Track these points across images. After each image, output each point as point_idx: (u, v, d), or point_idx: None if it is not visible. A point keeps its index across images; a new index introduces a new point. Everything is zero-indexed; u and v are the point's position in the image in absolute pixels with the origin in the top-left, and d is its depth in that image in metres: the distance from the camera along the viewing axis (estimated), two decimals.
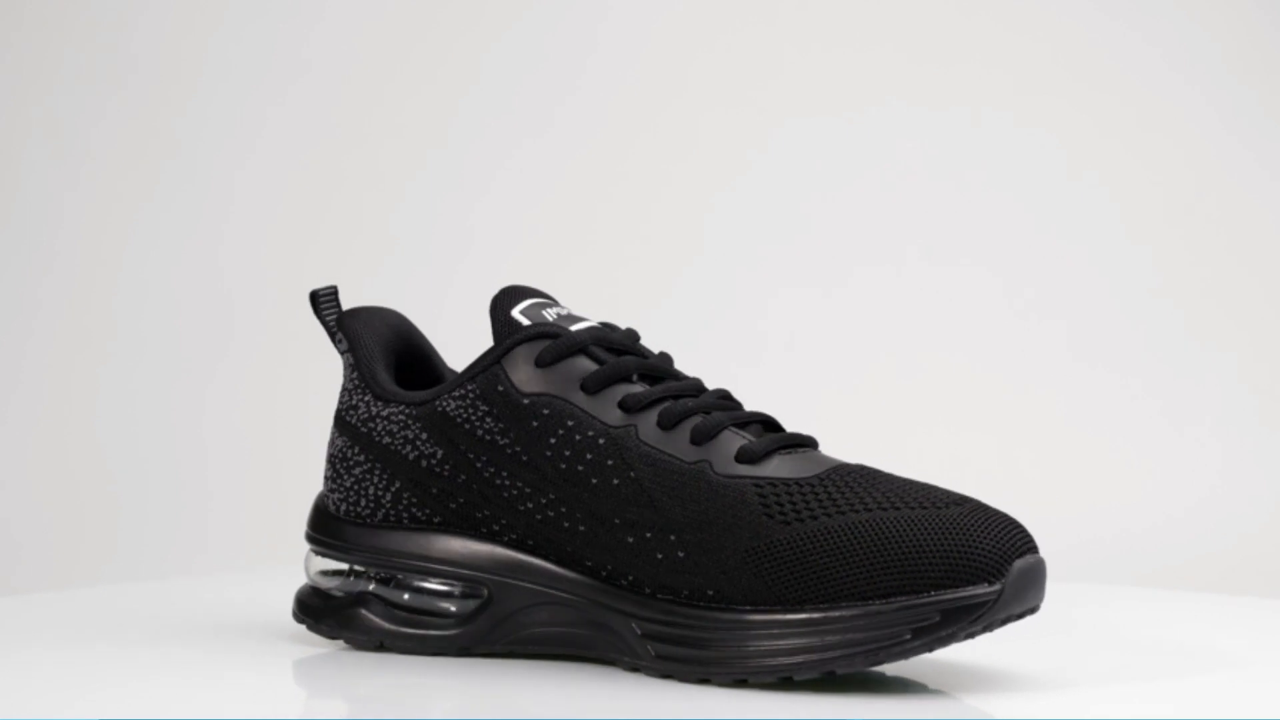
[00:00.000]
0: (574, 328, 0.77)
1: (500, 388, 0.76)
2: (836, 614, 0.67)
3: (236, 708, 0.68)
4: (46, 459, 1.31)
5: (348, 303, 1.42)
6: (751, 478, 0.71)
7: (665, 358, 0.78)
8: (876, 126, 1.30)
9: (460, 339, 1.34)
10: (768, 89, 1.31)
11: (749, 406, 0.76)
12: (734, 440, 0.73)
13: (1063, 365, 1.28)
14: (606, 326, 0.78)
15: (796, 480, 0.71)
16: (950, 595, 0.66)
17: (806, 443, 0.75)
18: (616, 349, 0.77)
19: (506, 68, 1.34)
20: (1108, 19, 1.30)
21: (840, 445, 1.25)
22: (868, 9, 1.32)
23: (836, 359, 1.25)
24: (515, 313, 0.79)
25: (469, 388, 0.77)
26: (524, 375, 0.76)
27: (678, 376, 0.76)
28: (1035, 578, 0.68)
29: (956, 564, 0.67)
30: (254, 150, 1.35)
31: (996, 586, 0.66)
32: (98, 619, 0.91)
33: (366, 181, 1.34)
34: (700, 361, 0.82)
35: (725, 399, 0.76)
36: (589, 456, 0.73)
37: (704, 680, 0.69)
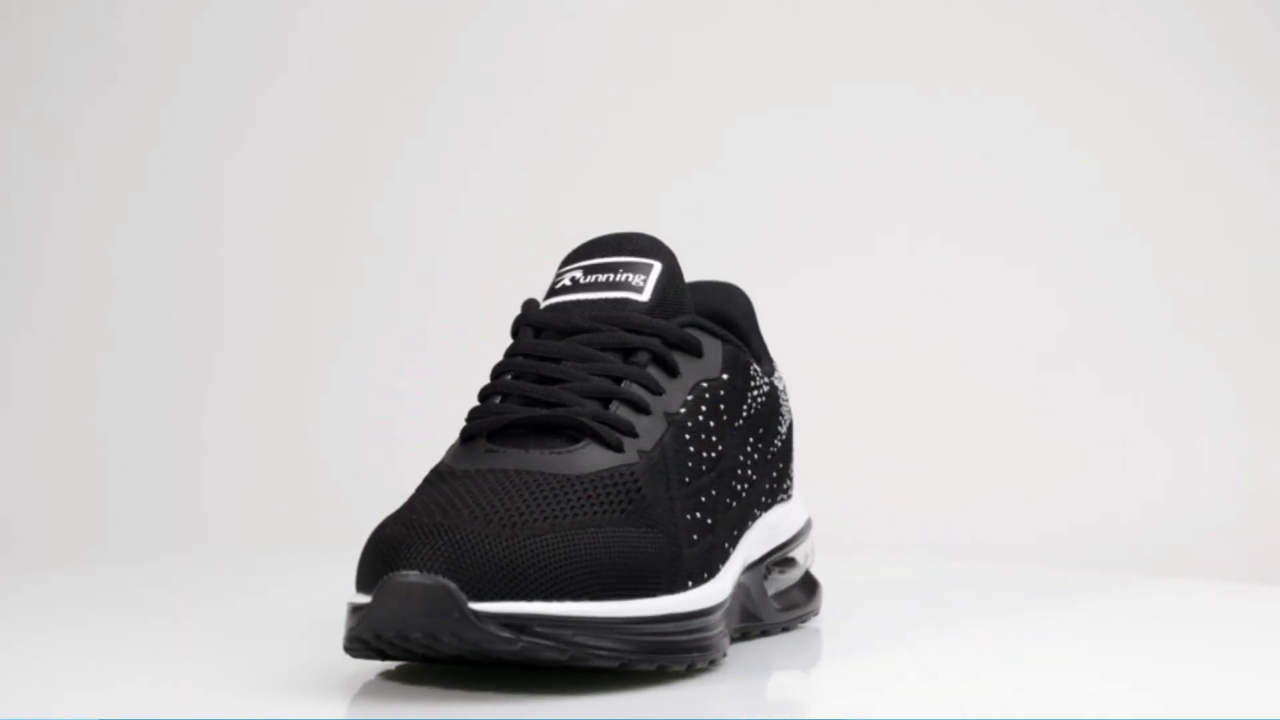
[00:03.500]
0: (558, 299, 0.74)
1: None
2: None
3: (232, 701, 0.69)
4: (42, 453, 1.31)
5: (331, 293, 1.42)
6: (440, 465, 0.70)
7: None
8: (861, 112, 1.30)
9: (449, 325, 1.34)
10: (749, 74, 1.31)
11: None
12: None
13: (1050, 356, 1.28)
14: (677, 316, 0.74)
15: (448, 469, 0.69)
16: (352, 600, 0.66)
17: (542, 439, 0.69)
18: (546, 327, 0.73)
19: (483, 56, 1.34)
20: (1099, 5, 1.30)
21: (827, 439, 1.26)
22: None
23: (818, 350, 1.25)
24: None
25: None
26: None
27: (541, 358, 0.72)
28: (386, 596, 0.63)
29: (364, 570, 0.66)
30: (244, 143, 1.35)
31: (368, 598, 0.64)
32: (92, 604, 0.91)
33: (353, 173, 1.35)
34: None
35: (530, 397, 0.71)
36: None
37: None
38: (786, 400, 0.82)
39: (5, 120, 1.36)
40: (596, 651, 0.64)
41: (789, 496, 0.81)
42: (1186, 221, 1.27)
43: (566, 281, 0.74)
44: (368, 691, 0.69)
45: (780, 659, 0.75)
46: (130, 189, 1.34)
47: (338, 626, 0.81)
